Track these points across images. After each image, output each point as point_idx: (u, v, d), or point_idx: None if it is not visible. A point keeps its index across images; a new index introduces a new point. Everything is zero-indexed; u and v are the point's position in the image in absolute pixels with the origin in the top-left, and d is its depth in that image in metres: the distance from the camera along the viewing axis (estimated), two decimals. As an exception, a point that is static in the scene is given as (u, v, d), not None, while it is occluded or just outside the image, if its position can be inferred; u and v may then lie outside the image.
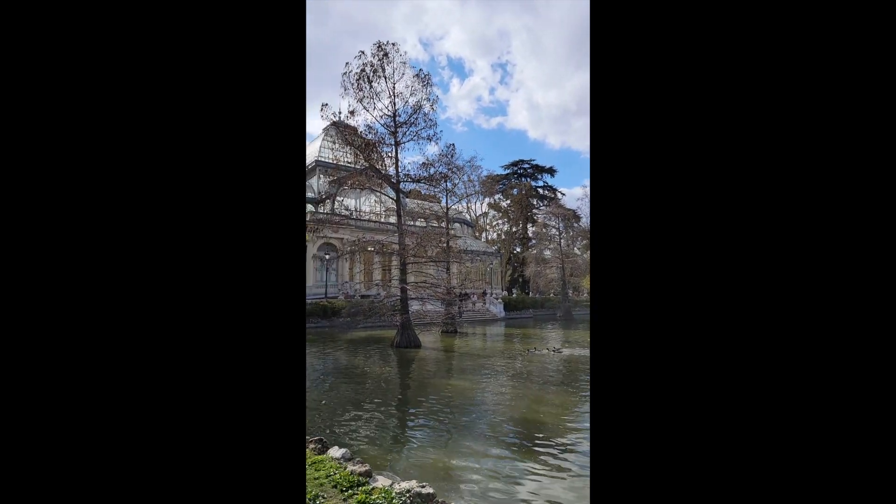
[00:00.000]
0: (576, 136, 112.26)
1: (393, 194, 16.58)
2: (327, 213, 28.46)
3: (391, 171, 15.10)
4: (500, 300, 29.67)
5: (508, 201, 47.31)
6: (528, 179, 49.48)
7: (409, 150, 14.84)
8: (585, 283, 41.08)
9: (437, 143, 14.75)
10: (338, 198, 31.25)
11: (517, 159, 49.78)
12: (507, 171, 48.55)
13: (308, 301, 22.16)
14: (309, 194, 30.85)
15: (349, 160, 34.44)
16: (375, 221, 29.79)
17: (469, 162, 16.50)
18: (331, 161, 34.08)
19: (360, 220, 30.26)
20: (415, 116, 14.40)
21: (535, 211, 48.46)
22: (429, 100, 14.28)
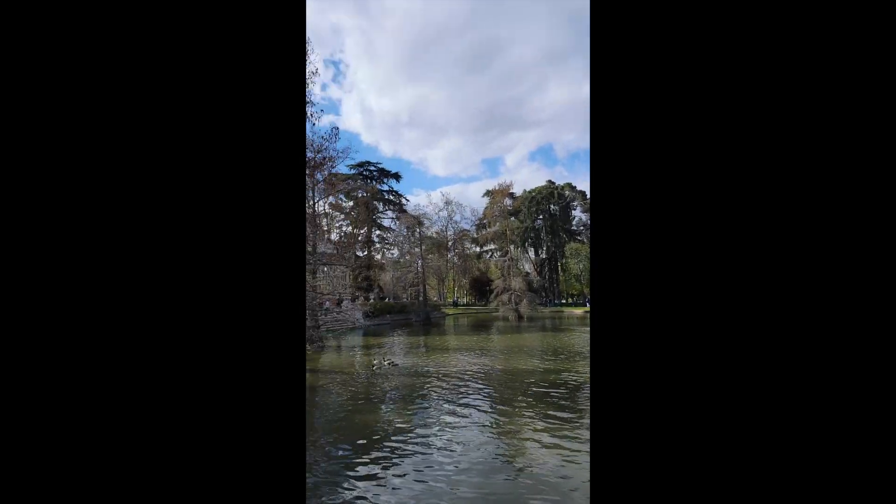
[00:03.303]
0: (407, 146, 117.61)
1: None
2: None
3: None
4: (358, 306, 27.94)
5: (352, 203, 45.67)
6: (374, 182, 48.85)
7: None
8: (436, 286, 42.60)
9: (315, 123, 12.49)
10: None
11: (363, 160, 48.67)
12: (353, 172, 46.76)
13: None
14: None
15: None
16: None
17: (342, 153, 14.50)
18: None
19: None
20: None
21: (379, 215, 48.11)
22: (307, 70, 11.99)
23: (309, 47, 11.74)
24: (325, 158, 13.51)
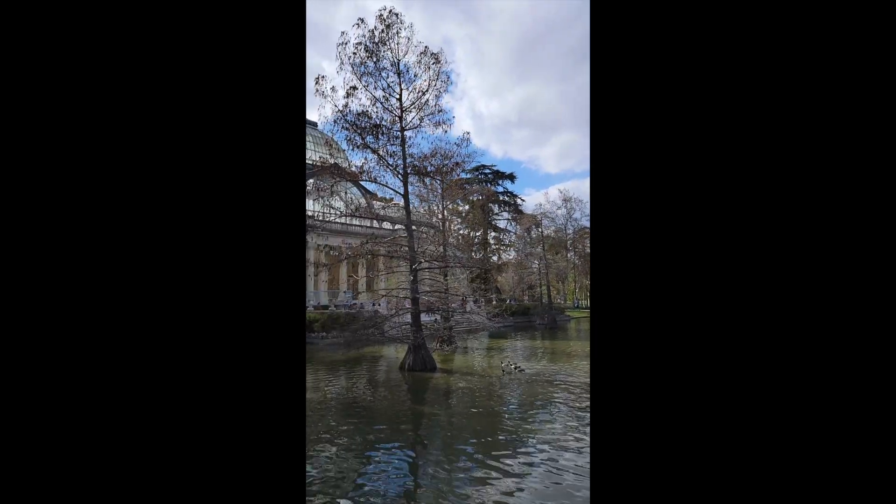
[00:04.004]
0: (516, 146, 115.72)
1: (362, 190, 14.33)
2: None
3: (393, 160, 12.88)
4: (482, 308, 28.32)
5: (468, 206, 46.59)
6: (489, 185, 49.09)
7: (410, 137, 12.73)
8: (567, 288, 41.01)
9: (446, 131, 12.81)
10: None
11: (479, 164, 49.30)
12: (469, 176, 47.73)
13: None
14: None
15: (310, 157, 31.21)
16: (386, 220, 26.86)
17: (468, 157, 14.77)
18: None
19: (345, 223, 27.27)
20: (424, 98, 12.40)
21: (494, 216, 48.12)
22: (440, 78, 12.37)
23: (441, 57, 12.10)
24: (455, 164, 13.81)
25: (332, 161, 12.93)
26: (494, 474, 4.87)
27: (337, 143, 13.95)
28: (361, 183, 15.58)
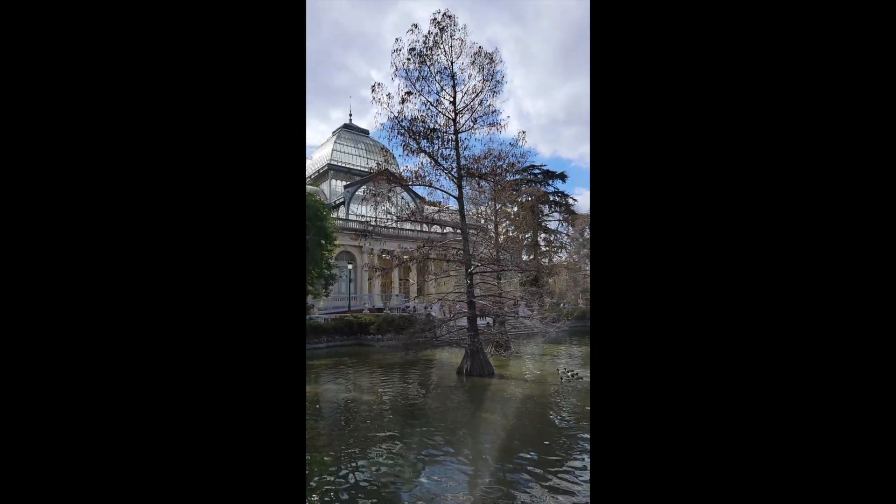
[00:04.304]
0: (565, 145, 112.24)
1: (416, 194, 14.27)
2: (363, 221, 26.11)
3: (447, 163, 12.82)
4: (535, 312, 27.61)
5: (516, 208, 45.76)
6: (539, 185, 47.98)
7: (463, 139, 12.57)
8: None
9: (500, 131, 12.56)
10: (351, 204, 29.03)
11: (528, 164, 48.34)
12: (518, 177, 46.92)
13: (332, 315, 19.72)
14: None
15: (362, 164, 32.07)
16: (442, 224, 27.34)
17: (521, 157, 14.38)
18: (342, 165, 32.33)
19: (399, 228, 27.93)
20: (478, 99, 12.25)
21: (545, 217, 46.88)
22: (494, 79, 12.16)
23: (495, 57, 11.92)
24: (509, 164, 13.53)
25: (386, 167, 13.08)
26: (551, 484, 4.57)
27: (390, 151, 14.16)
28: (413, 188, 15.73)
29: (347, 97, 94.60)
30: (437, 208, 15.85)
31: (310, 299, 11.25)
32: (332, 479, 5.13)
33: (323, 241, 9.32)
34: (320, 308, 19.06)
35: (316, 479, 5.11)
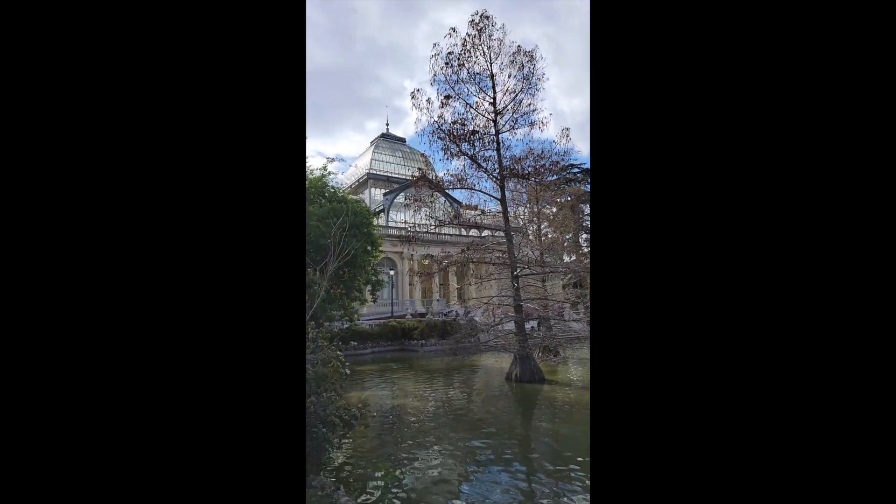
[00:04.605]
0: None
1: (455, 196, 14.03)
2: (407, 227, 26.44)
3: (488, 165, 12.60)
4: (580, 316, 26.70)
5: (555, 208, 44.59)
6: (578, 184, 46.62)
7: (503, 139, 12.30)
8: None
9: (542, 130, 12.24)
10: (390, 211, 29.47)
11: (566, 164, 47.16)
12: (557, 177, 45.84)
13: (376, 321, 19.97)
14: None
15: (400, 171, 32.48)
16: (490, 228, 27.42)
17: (566, 153, 13.93)
18: (381, 174, 32.97)
19: (438, 232, 28.09)
20: (519, 98, 12.00)
21: (585, 217, 45.43)
22: (535, 75, 11.85)
23: (535, 55, 11.65)
24: (552, 163, 13.14)
25: (429, 174, 13.06)
26: None
27: (426, 157, 14.18)
28: (450, 193, 15.63)
29: (383, 107, 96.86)
30: (476, 212, 15.66)
31: (356, 305, 11.39)
32: (380, 483, 5.04)
33: (369, 248, 9.44)
34: (363, 314, 19.36)
35: (368, 483, 5.04)
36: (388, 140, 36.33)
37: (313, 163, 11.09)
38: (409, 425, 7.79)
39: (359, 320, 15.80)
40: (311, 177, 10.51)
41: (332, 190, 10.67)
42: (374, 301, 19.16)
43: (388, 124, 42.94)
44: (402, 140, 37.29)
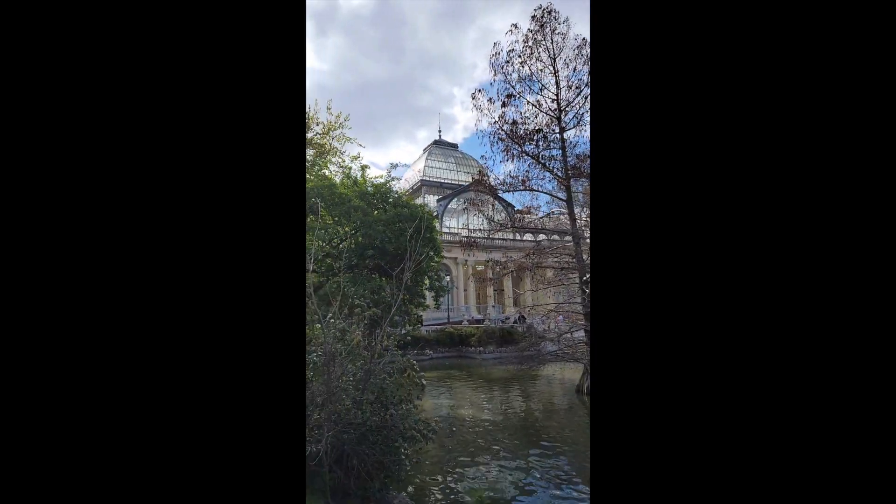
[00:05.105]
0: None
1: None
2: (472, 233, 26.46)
3: (553, 165, 12.00)
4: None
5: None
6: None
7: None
8: None
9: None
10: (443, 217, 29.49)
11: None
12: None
13: (432, 327, 19.87)
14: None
15: (453, 177, 32.52)
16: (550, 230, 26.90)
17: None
18: (434, 180, 33.21)
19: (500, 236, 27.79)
20: (585, 93, 11.35)
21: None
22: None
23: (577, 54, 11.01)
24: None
25: (489, 176, 12.71)
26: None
27: (484, 158, 13.84)
28: (505, 197, 15.15)
29: (432, 116, 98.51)
30: (536, 215, 15.05)
31: (419, 311, 11.28)
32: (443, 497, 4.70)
33: (431, 253, 9.33)
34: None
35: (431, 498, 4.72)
36: (440, 147, 36.61)
37: (370, 173, 11.08)
38: (480, 436, 7.43)
39: (421, 326, 15.75)
40: (376, 182, 10.59)
41: (395, 195, 10.67)
42: (438, 307, 19.06)
43: (440, 131, 43.46)
44: (455, 146, 37.38)
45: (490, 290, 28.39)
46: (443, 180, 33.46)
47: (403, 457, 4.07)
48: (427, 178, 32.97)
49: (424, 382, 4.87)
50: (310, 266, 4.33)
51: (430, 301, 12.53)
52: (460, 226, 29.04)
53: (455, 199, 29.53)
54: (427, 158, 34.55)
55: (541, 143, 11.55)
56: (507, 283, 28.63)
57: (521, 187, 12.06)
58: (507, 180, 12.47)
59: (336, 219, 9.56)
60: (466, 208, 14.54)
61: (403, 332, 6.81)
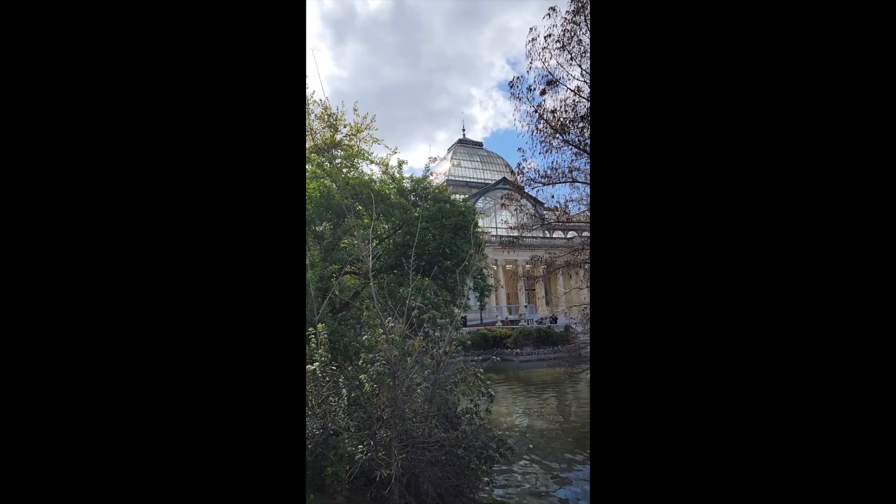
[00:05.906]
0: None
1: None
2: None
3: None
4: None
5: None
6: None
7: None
8: None
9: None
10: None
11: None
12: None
13: (468, 328, 19.34)
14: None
15: (478, 176, 31.93)
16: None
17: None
18: (460, 179, 32.70)
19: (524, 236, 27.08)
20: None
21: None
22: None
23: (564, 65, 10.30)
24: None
25: (525, 170, 12.11)
26: None
27: (514, 156, 13.25)
28: (531, 194, 14.54)
29: (451, 118, 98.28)
30: (582, 211, 14.33)
31: (461, 312, 10.80)
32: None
33: (474, 252, 8.84)
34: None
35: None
36: (465, 146, 36.12)
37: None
38: (535, 445, 6.87)
39: (464, 327, 15.27)
40: (416, 178, 10.15)
41: (436, 190, 10.20)
42: (483, 308, 18.50)
43: (464, 130, 43.11)
44: (480, 144, 36.81)
45: (521, 290, 27.64)
46: (469, 179, 32.94)
47: (484, 480, 3.56)
48: (453, 178, 32.53)
49: (493, 393, 4.36)
50: (370, 264, 3.90)
51: (472, 302, 12.07)
52: (489, 225, 28.36)
53: (482, 198, 28.94)
54: (452, 158, 34.11)
55: (585, 130, 10.86)
56: (539, 283, 27.83)
57: (563, 179, 11.40)
58: (549, 173, 11.82)
59: (376, 217, 9.20)
60: (504, 204, 13.94)
61: (457, 335, 6.30)
